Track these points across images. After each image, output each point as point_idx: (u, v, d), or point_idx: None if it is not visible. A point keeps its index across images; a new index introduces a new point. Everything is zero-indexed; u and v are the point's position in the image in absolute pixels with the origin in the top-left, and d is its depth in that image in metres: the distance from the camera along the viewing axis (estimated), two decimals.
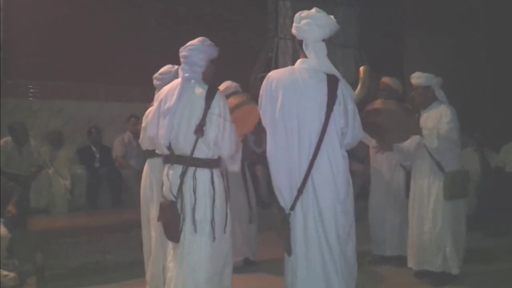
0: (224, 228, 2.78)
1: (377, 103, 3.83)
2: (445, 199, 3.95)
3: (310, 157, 2.55)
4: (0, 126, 6.19)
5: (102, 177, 6.73)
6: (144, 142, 3.57)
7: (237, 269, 4.10)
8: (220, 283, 2.78)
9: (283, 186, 2.63)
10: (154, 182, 3.53)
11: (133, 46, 7.32)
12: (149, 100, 3.71)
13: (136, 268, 3.60)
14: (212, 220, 2.70)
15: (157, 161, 3.49)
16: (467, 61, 7.98)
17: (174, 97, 2.76)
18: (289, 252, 2.61)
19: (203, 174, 2.72)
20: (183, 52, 2.85)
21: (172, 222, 2.71)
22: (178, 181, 2.72)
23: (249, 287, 3.97)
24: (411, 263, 4.19)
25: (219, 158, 2.80)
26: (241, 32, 7.68)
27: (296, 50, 2.79)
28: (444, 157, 3.99)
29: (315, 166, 2.55)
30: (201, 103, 2.70)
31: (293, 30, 2.68)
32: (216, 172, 2.77)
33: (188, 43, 2.87)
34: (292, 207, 2.60)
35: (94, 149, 6.93)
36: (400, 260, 4.40)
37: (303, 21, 2.61)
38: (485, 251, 5.15)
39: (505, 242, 5.50)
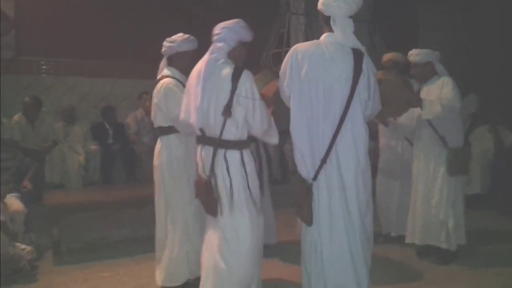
0: (259, 206, 2.84)
1: (378, 74, 3.79)
2: (449, 176, 3.97)
3: (335, 127, 2.59)
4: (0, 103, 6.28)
5: (116, 153, 6.80)
6: (159, 118, 3.47)
7: None
8: (259, 259, 2.85)
9: (306, 156, 2.65)
10: (175, 159, 3.41)
11: (146, 23, 7.29)
12: None
13: (151, 242, 3.65)
14: (250, 197, 2.77)
15: (173, 137, 3.42)
16: (482, 35, 7.81)
17: (201, 79, 2.78)
18: (310, 222, 2.64)
19: (233, 156, 2.75)
20: (215, 30, 2.87)
21: (209, 199, 2.80)
22: (210, 162, 2.78)
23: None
24: (412, 239, 4.18)
25: (249, 138, 2.83)
26: (253, 8, 7.59)
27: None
28: (448, 133, 3.98)
29: (339, 136, 2.60)
30: (228, 84, 2.70)
31: (320, 6, 2.70)
32: (246, 153, 2.80)
33: (223, 22, 2.87)
34: (315, 177, 2.63)
35: (107, 126, 6.99)
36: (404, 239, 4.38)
37: None
38: (497, 230, 5.14)
39: None
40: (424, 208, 4.07)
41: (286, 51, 7.68)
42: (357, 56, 2.64)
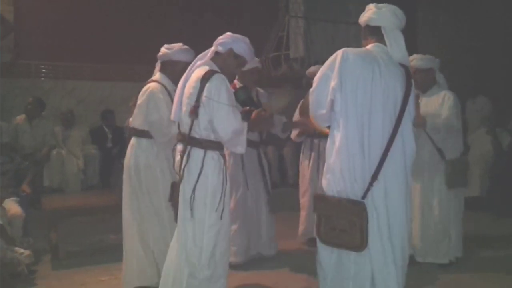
0: (216, 210, 2.72)
1: None
2: (447, 188, 3.89)
3: (387, 140, 2.40)
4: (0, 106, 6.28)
5: (115, 157, 6.79)
6: (136, 120, 3.48)
7: (251, 266, 4.07)
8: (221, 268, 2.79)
9: (357, 169, 2.38)
10: (142, 164, 3.40)
11: (145, 26, 7.30)
12: None
13: None
14: (192, 197, 2.70)
15: (144, 142, 3.42)
16: (481, 37, 7.82)
17: (183, 79, 2.85)
18: (363, 248, 2.33)
19: (195, 153, 2.74)
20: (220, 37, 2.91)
21: (173, 202, 2.85)
22: (179, 159, 2.78)
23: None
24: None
25: (220, 142, 2.79)
26: (252, 11, 7.60)
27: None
28: (446, 145, 3.89)
29: (391, 150, 2.40)
30: (198, 84, 2.72)
31: (371, 15, 2.58)
32: (211, 154, 2.75)
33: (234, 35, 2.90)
34: (364, 196, 2.36)
35: (106, 129, 6.98)
36: None
37: (384, 9, 2.58)
38: (496, 234, 5.11)
39: None
40: (422, 223, 3.95)
41: (285, 55, 7.64)
42: (406, 70, 2.53)
